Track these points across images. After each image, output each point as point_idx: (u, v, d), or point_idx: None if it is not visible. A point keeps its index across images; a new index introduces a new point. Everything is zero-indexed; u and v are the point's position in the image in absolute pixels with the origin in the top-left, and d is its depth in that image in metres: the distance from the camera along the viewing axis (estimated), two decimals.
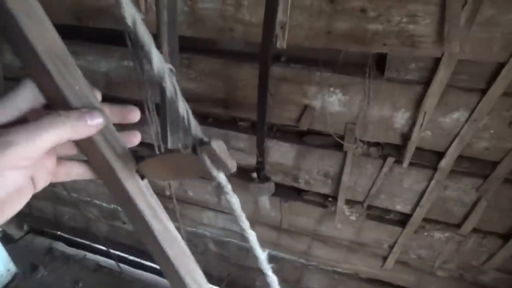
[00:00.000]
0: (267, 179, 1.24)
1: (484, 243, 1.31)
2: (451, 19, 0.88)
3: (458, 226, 1.30)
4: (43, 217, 2.55)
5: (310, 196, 1.49)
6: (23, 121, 0.34)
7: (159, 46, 1.00)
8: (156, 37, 0.97)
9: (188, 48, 1.23)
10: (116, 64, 1.38)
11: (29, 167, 0.33)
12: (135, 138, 0.43)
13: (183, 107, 0.37)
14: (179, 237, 0.46)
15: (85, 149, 0.40)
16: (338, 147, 1.26)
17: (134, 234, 2.22)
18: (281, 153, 1.36)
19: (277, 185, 1.48)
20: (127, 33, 1.10)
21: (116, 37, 1.26)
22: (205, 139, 0.37)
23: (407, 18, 0.92)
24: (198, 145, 0.36)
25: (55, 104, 0.36)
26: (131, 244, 2.33)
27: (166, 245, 0.44)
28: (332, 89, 1.14)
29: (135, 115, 0.43)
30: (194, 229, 1.94)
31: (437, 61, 0.97)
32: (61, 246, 2.61)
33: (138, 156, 0.43)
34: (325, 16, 0.98)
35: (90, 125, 0.35)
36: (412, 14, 0.91)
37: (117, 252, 2.37)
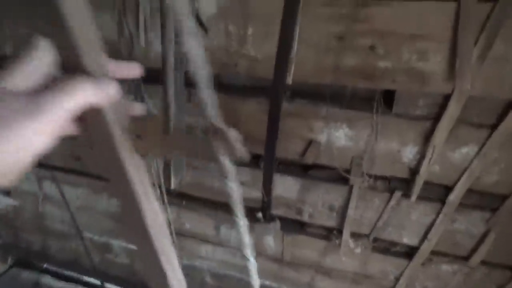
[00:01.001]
0: (272, 219, 1.20)
1: (492, 275, 1.28)
2: (463, 56, 0.87)
3: (466, 258, 1.28)
4: (30, 248, 2.44)
5: (314, 229, 1.45)
6: (44, 84, 0.34)
7: (164, 86, 0.97)
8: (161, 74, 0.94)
9: (192, 84, 1.20)
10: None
11: (54, 130, 0.33)
12: (135, 71, 0.43)
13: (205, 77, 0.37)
14: (161, 217, 0.46)
15: (91, 117, 0.39)
16: (344, 180, 1.23)
17: (126, 267, 2.14)
18: (284, 186, 1.33)
19: (280, 218, 1.44)
20: None
21: None
22: (223, 125, 0.39)
23: (417, 55, 0.91)
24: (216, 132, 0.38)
25: (71, 68, 0.35)
26: (124, 277, 2.24)
27: (150, 225, 0.44)
28: (338, 123, 1.12)
29: (137, 71, 0.43)
30: (191, 262, 1.87)
31: (446, 97, 0.96)
32: (48, 280, 2.50)
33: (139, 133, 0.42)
34: (333, 52, 0.97)
35: (111, 94, 0.36)
36: (423, 51, 0.90)
37: (108, 285, 2.28)
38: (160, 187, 1.16)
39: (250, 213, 1.20)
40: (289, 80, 1.03)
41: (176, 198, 1.52)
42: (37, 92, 0.33)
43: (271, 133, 0.96)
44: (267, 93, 1.10)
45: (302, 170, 1.29)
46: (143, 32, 1.10)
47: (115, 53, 1.14)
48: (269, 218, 1.19)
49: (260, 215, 1.17)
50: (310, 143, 1.19)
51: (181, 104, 0.91)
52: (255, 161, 1.33)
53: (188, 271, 1.90)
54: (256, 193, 1.36)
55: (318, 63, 1.00)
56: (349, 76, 0.99)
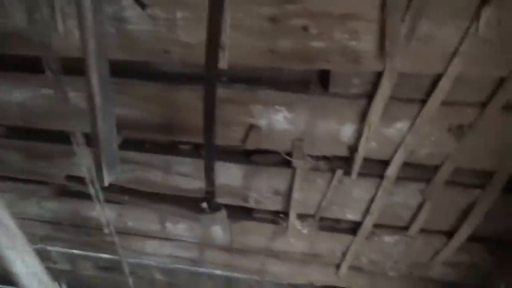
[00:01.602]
0: (218, 208, 1.17)
1: (431, 242, 1.36)
2: (391, 34, 0.89)
3: (406, 228, 1.34)
4: None
5: (261, 214, 1.45)
6: None
7: (87, 75, 0.89)
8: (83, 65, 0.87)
9: (119, 72, 1.12)
10: (32, 94, 1.22)
11: None
12: None
13: None
14: None
15: None
16: (287, 163, 1.23)
17: (69, 273, 2.01)
18: (228, 174, 1.30)
19: (226, 206, 1.41)
20: (46, 58, 0.97)
21: (30, 64, 1.11)
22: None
23: (349, 35, 0.92)
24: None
25: None
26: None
27: None
28: (277, 107, 1.11)
29: None
30: (137, 261, 1.80)
31: (379, 75, 0.98)
32: None
33: None
34: (267, 35, 0.94)
35: None
36: (354, 31, 0.91)
37: None
38: (93, 184, 1.08)
39: (195, 204, 1.16)
40: (225, 65, 0.99)
41: (117, 195, 1.43)
42: None
43: (208, 120, 0.92)
44: (200, 80, 1.05)
45: (245, 156, 1.27)
46: (61, 20, 1.00)
47: (25, 43, 1.03)
48: (214, 207, 1.16)
49: (205, 205, 1.14)
50: (250, 128, 1.17)
51: (108, 94, 0.83)
52: (196, 150, 1.29)
53: (136, 270, 1.82)
54: (199, 184, 1.32)
55: (252, 46, 0.97)
56: (285, 58, 0.98)
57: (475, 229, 1.25)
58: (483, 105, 0.99)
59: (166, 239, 1.66)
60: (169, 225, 1.57)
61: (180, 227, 1.56)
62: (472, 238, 1.29)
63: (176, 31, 0.98)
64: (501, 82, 0.94)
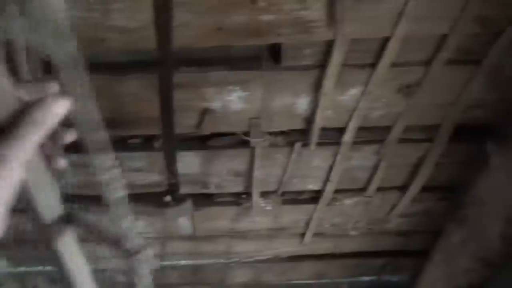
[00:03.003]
0: (183, 200, 1.12)
1: (387, 198, 1.43)
2: (340, 0, 0.88)
3: (364, 189, 1.39)
4: None
5: (223, 197, 1.42)
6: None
7: (15, 72, 0.79)
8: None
9: (51, 69, 1.00)
10: None
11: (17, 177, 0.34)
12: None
13: None
14: None
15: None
16: (245, 143, 1.20)
17: None
18: (185, 163, 1.24)
19: (187, 196, 1.37)
20: None
21: None
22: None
23: (298, 5, 0.89)
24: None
25: None
26: None
27: None
28: (230, 87, 1.06)
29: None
30: (96, 266, 1.70)
31: (330, 43, 0.97)
32: None
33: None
34: (214, 11, 0.89)
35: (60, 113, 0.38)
36: (303, 1, 0.88)
37: None
38: None
39: (156, 198, 1.10)
40: (173, 47, 0.92)
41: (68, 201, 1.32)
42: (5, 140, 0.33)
43: (166, 109, 0.86)
44: (148, 67, 0.97)
45: (201, 142, 1.22)
46: None
47: None
48: (179, 199, 1.10)
49: (168, 198, 1.08)
50: (204, 112, 1.11)
51: None
52: (147, 143, 1.21)
53: (98, 276, 1.72)
54: (156, 177, 1.26)
55: (199, 25, 0.91)
56: (234, 35, 0.93)
57: (426, 180, 1.34)
58: (428, 63, 1.03)
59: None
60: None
61: (139, 225, 1.49)
62: (424, 189, 1.38)
63: (112, 15, 0.89)
64: (443, 38, 0.98)
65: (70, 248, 0.53)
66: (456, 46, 0.98)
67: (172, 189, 1.08)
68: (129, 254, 0.57)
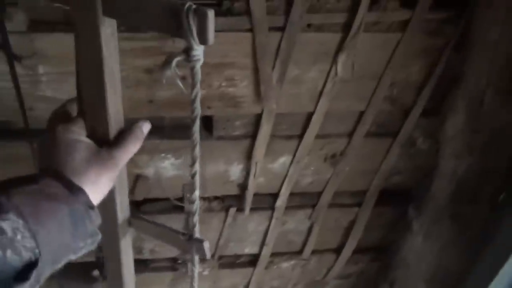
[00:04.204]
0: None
1: (323, 260, 1.46)
2: (265, 80, 0.95)
3: (300, 252, 1.42)
4: None
5: (158, 263, 1.38)
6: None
7: None
8: None
9: None
10: None
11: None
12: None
13: None
14: None
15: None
16: (179, 209, 1.20)
17: None
18: None
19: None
20: None
21: None
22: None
23: (226, 82, 0.95)
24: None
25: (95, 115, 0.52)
26: None
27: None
28: (163, 155, 1.08)
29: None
30: None
31: (258, 116, 1.03)
32: None
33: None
34: (145, 86, 0.92)
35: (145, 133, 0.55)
36: (230, 78, 0.94)
37: None
38: None
39: (85, 272, 1.04)
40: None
41: None
42: (108, 147, 0.50)
43: None
44: None
45: (134, 207, 1.21)
46: None
47: None
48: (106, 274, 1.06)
49: (96, 272, 1.03)
50: (137, 179, 1.11)
51: None
52: None
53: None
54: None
55: (131, 97, 0.94)
56: (165, 107, 0.97)
57: (358, 242, 1.39)
58: (350, 135, 1.12)
59: None
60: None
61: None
62: (357, 251, 1.42)
63: (40, 86, 0.90)
64: (361, 114, 1.07)
65: (127, 247, 0.62)
66: (372, 121, 1.08)
67: (100, 263, 1.04)
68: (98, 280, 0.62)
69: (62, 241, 0.41)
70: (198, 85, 0.52)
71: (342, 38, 0.93)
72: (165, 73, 0.50)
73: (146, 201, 1.19)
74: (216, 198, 1.22)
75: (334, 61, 0.95)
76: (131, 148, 0.51)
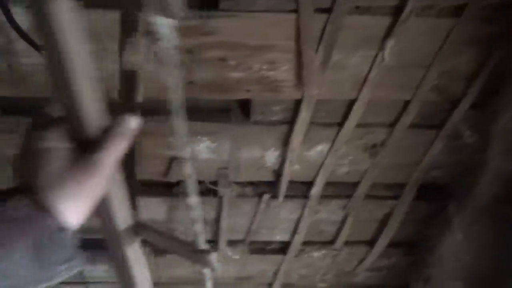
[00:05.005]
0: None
1: (354, 252, 1.43)
2: (307, 64, 0.91)
3: (332, 242, 1.39)
4: None
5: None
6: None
7: None
8: None
9: (12, 112, 0.99)
10: None
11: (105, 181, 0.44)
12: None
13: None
14: None
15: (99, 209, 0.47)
16: (212, 192, 1.20)
17: None
18: (151, 209, 1.23)
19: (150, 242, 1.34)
20: None
21: None
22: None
23: (267, 65, 0.92)
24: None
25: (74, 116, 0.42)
26: None
27: None
28: (199, 137, 1.07)
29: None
30: None
31: (298, 102, 1.00)
32: None
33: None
34: (184, 66, 0.91)
35: (135, 129, 0.45)
36: (271, 61, 0.92)
37: None
38: None
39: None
40: (140, 98, 0.93)
41: None
42: (90, 151, 0.41)
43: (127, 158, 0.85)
44: (113, 114, 0.98)
45: (167, 189, 1.22)
46: None
47: None
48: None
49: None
50: (172, 160, 1.12)
51: None
52: None
53: None
54: None
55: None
56: (204, 89, 0.95)
57: (392, 236, 1.35)
58: (392, 125, 1.07)
59: (85, 283, 1.51)
60: (87, 268, 1.44)
61: (99, 269, 1.44)
62: (390, 244, 1.38)
63: None
64: (405, 104, 1.02)
65: (136, 256, 0.57)
66: (417, 112, 1.03)
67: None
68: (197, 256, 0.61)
69: (25, 272, 0.37)
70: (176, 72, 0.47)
71: (391, 22, 0.88)
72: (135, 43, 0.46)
73: (180, 183, 1.20)
74: (250, 183, 1.21)
75: (381, 46, 0.90)
76: (117, 148, 0.43)
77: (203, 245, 0.60)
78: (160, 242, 0.59)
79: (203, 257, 0.59)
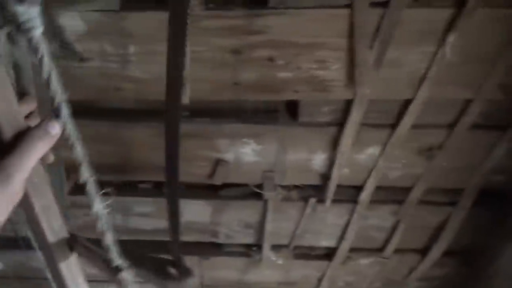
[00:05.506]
0: (188, 273, 1.03)
1: (405, 260, 1.35)
2: (360, 62, 0.86)
3: (381, 249, 1.32)
4: None
5: (232, 248, 1.37)
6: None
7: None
8: None
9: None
10: None
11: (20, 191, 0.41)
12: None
13: None
14: None
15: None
16: (257, 195, 1.17)
17: None
18: (195, 211, 1.22)
19: (194, 244, 1.33)
20: None
21: None
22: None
23: (316, 64, 0.88)
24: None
25: None
26: None
27: None
28: (244, 139, 1.04)
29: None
30: None
31: (349, 102, 0.95)
32: None
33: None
34: (230, 67, 0.88)
35: (55, 134, 0.42)
36: (322, 60, 0.87)
37: None
38: None
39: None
40: (186, 100, 0.92)
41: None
42: (5, 159, 0.38)
43: (171, 160, 0.83)
44: (159, 116, 0.97)
45: (212, 191, 1.20)
46: None
47: None
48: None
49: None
50: (217, 163, 1.09)
51: None
52: (157, 189, 1.20)
53: None
54: (163, 224, 1.22)
55: (215, 79, 0.91)
56: (250, 90, 0.92)
57: (448, 244, 1.26)
58: (451, 126, 0.99)
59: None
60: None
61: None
62: (445, 253, 1.30)
63: (129, 67, 0.89)
64: (467, 103, 0.94)
65: (72, 271, 0.55)
66: (479, 111, 0.94)
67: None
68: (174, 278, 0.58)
69: None
70: (48, 63, 0.41)
71: (453, 14, 0.81)
72: None
73: (225, 186, 1.18)
74: (296, 187, 1.17)
75: (442, 41, 0.84)
76: (31, 153, 0.39)
77: (117, 262, 0.54)
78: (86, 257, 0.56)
79: (116, 276, 0.55)
